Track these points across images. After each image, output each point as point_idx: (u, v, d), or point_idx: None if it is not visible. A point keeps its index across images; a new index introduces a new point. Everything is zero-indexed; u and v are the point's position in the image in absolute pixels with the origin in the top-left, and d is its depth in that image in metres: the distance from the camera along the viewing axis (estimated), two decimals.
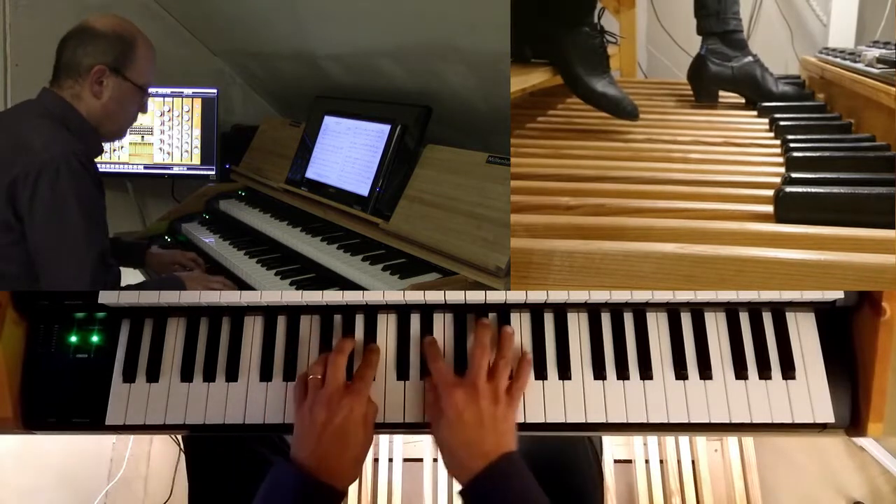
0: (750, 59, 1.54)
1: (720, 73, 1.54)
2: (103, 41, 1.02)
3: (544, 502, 0.71)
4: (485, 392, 0.74)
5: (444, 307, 0.84)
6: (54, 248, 0.95)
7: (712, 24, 1.53)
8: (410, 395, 0.81)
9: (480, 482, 0.71)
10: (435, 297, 0.82)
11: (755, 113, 1.47)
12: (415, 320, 0.84)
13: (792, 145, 1.15)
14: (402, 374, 0.81)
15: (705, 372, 0.80)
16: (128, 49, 1.04)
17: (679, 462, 1.54)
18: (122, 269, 1.25)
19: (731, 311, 0.83)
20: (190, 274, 1.21)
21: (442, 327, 0.84)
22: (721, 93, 1.61)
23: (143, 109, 1.10)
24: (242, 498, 0.78)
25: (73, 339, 0.82)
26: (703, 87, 1.58)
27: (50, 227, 0.94)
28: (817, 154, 1.10)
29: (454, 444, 0.73)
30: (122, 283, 1.06)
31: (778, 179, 0.98)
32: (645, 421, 0.79)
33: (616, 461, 1.56)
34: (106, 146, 1.64)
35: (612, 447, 1.56)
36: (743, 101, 1.59)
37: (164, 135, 1.82)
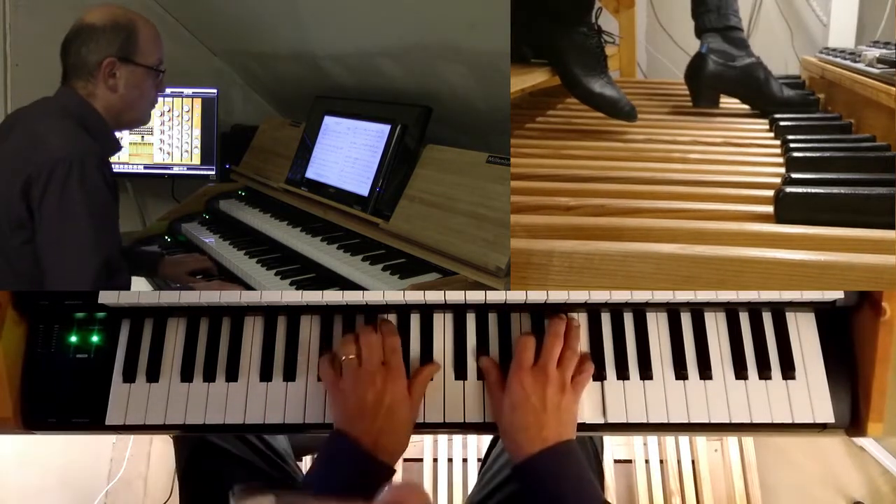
0: (753, 59, 1.45)
1: (722, 74, 1.43)
2: (104, 34, 1.02)
3: (596, 494, 0.73)
4: (553, 379, 0.76)
5: (444, 307, 0.84)
6: (58, 248, 0.94)
7: (712, 19, 1.44)
8: None
9: (535, 462, 0.72)
10: (435, 297, 0.82)
11: (755, 113, 1.47)
12: (415, 320, 0.84)
13: (792, 145, 1.15)
14: None
15: (705, 372, 0.80)
16: (130, 34, 1.03)
17: (679, 462, 1.54)
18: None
19: (731, 311, 0.83)
20: (210, 284, 1.21)
21: (442, 327, 0.84)
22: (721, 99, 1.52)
23: (161, 88, 1.10)
24: None
25: (73, 339, 0.82)
26: (703, 88, 1.47)
27: (57, 226, 0.93)
28: (817, 154, 1.09)
29: (516, 425, 0.74)
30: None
31: (778, 180, 0.98)
32: (645, 421, 0.79)
33: (616, 461, 1.56)
34: None
35: (612, 447, 1.56)
36: (746, 107, 1.51)
37: (164, 135, 1.82)
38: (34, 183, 0.92)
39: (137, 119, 1.10)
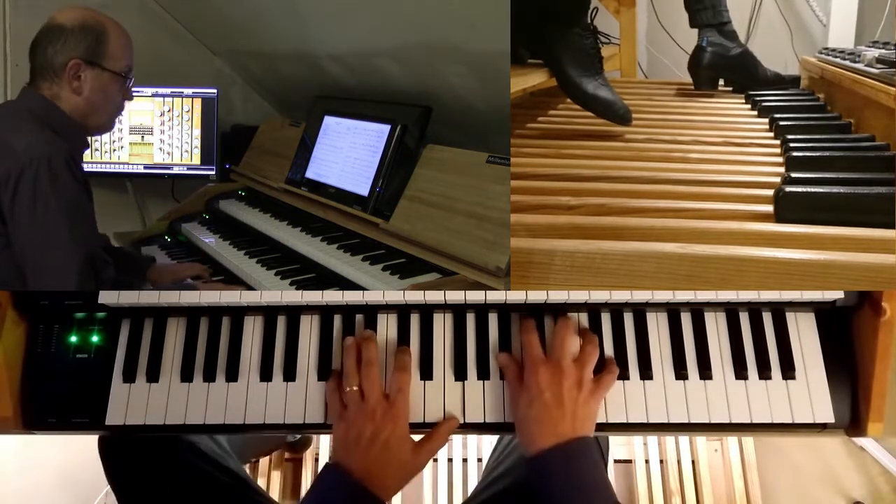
0: (743, 48, 1.69)
1: (719, 63, 1.68)
2: (71, 35, 1.00)
3: (608, 495, 0.71)
4: (569, 373, 0.75)
5: (444, 307, 0.84)
6: (38, 250, 0.93)
7: (709, 16, 1.66)
8: (410, 397, 0.80)
9: (546, 458, 0.71)
10: (435, 297, 0.82)
11: (755, 113, 1.47)
12: (414, 320, 0.84)
13: (792, 145, 1.15)
14: None
15: (705, 372, 0.80)
16: (99, 38, 1.01)
17: (679, 462, 1.54)
18: None
19: (731, 311, 0.83)
20: (204, 284, 1.20)
21: (442, 327, 0.84)
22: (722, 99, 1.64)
23: (129, 96, 1.07)
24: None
25: (73, 339, 0.82)
26: (703, 76, 1.70)
27: (33, 229, 0.92)
28: (817, 154, 1.09)
29: (530, 419, 0.74)
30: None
31: (778, 179, 0.98)
32: (645, 421, 0.79)
33: (616, 461, 1.56)
34: (105, 146, 1.62)
35: (612, 447, 1.56)
36: (747, 107, 1.57)
37: (164, 135, 1.82)
38: (2, 188, 0.90)
39: (101, 125, 1.06)
